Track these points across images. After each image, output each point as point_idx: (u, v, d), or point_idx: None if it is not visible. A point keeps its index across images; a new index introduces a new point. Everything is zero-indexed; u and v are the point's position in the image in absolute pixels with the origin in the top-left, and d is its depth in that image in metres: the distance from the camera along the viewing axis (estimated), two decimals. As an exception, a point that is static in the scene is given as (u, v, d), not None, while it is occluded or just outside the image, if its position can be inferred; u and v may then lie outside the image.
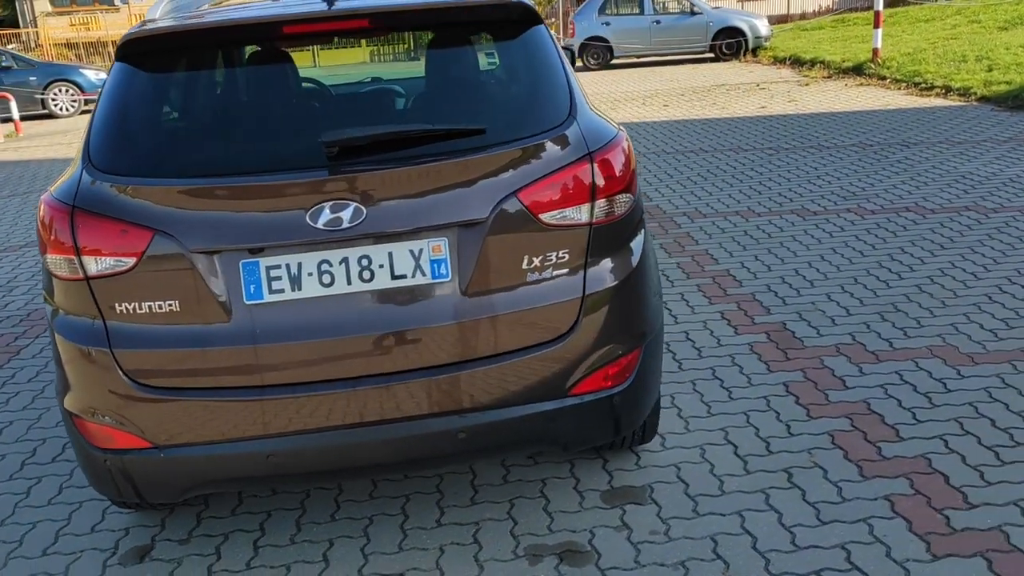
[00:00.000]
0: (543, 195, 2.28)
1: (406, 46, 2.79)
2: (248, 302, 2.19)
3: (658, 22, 18.47)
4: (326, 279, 2.21)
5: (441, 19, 2.55)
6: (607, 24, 18.66)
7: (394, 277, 2.23)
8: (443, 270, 2.24)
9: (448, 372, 2.26)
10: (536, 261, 2.29)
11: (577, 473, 3.05)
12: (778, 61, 17.25)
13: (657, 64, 19.24)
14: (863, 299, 4.43)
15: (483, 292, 2.26)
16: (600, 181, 2.35)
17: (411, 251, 2.23)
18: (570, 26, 19.23)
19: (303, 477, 2.41)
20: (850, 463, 2.98)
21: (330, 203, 2.18)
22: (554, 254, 2.31)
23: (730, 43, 18.36)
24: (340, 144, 2.22)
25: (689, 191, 7.05)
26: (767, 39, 18.48)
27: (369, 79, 2.85)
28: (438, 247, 2.24)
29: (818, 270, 4.92)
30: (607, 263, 2.39)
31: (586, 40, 18.75)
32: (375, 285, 2.23)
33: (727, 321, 4.29)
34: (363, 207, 2.19)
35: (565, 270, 2.32)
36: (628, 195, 2.43)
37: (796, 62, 16.36)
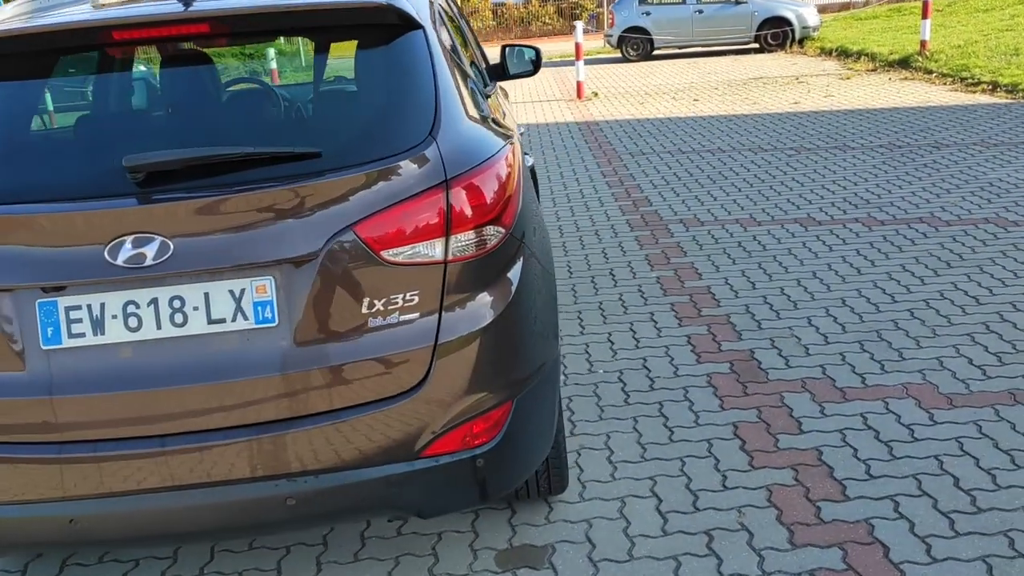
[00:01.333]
0: (385, 229, 1.98)
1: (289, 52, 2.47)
2: (45, 347, 1.94)
3: (700, 12, 17.90)
4: (132, 322, 1.94)
5: (294, 24, 2.26)
6: (647, 14, 18.15)
7: (211, 321, 1.95)
8: (268, 314, 1.96)
9: (274, 431, 1.98)
10: (378, 304, 1.99)
11: (479, 526, 2.75)
12: (824, 53, 16.60)
13: (699, 55, 18.68)
14: (847, 324, 4.03)
15: (315, 340, 1.97)
16: (459, 212, 2.03)
17: (231, 291, 1.95)
18: (609, 16, 18.76)
19: (118, 543, 2.16)
20: (782, 526, 2.63)
21: (132, 236, 1.91)
22: (400, 296, 2.01)
23: (775, 33, 17.71)
24: (144, 168, 1.94)
25: (694, 195, 6.66)
26: (815, 29, 17.80)
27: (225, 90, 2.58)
28: (262, 287, 1.96)
29: (806, 289, 4.52)
30: (469, 306, 2.08)
31: (626, 31, 18.26)
32: (189, 330, 1.95)
33: (692, 347, 3.94)
34: (170, 241, 1.91)
35: (414, 315, 2.02)
36: (498, 227, 2.12)
37: (842, 54, 15.70)
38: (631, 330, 4.19)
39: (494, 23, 37.19)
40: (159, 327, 1.95)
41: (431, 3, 2.68)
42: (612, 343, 4.06)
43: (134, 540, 2.10)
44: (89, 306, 1.94)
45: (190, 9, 2.13)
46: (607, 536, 2.66)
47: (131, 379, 1.95)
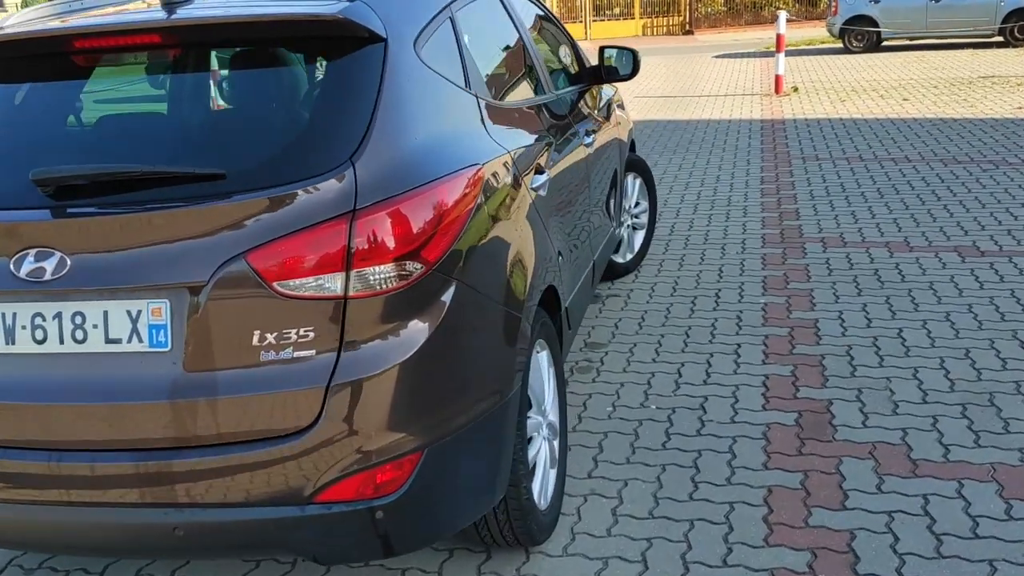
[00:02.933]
0: (279, 259, 1.86)
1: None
2: None
3: (936, 0, 16.29)
4: (39, 335, 1.95)
5: (239, 36, 2.17)
6: (875, 2, 16.76)
7: (108, 340, 1.92)
8: (162, 338, 1.91)
9: (162, 459, 1.93)
10: (270, 338, 1.89)
11: (447, 567, 2.60)
12: (1080, 49, 14.64)
13: (932, 48, 17.05)
14: (958, 382, 3.48)
15: (206, 369, 1.90)
16: (366, 244, 1.88)
17: (128, 312, 1.92)
18: (833, 4, 17.51)
19: (15, 546, 2.18)
20: (766, 623, 2.28)
21: (35, 250, 1.91)
22: (294, 331, 1.89)
23: (1024, 26, 15.84)
24: (50, 182, 1.93)
25: (852, 210, 6.05)
26: (1074, 22, 15.72)
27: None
28: (158, 310, 1.91)
29: (929, 333, 3.96)
30: (372, 346, 1.93)
31: (850, 20, 16.98)
32: (88, 347, 1.94)
33: (764, 390, 3.54)
34: (68, 257, 1.90)
35: (309, 351, 1.90)
36: (415, 262, 1.94)
37: (1099, 51, 13.77)
38: (707, 363, 3.84)
39: (724, 8, 35.93)
40: (62, 342, 1.94)
41: (437, 10, 2.51)
42: (680, 375, 3.74)
43: (30, 546, 2.12)
44: (3, 315, 1.96)
45: (127, 20, 2.10)
46: (569, 601, 2.42)
47: (35, 391, 1.97)
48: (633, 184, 4.97)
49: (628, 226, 5.00)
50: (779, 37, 12.09)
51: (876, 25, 16.78)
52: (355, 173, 1.93)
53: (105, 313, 1.92)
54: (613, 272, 4.93)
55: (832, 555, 2.53)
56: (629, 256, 5.05)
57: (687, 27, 32.58)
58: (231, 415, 1.90)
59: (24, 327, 1.96)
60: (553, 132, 3.12)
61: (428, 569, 2.61)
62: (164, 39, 2.14)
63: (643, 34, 33.87)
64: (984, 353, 3.72)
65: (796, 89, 12.47)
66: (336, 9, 2.11)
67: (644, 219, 5.17)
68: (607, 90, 4.43)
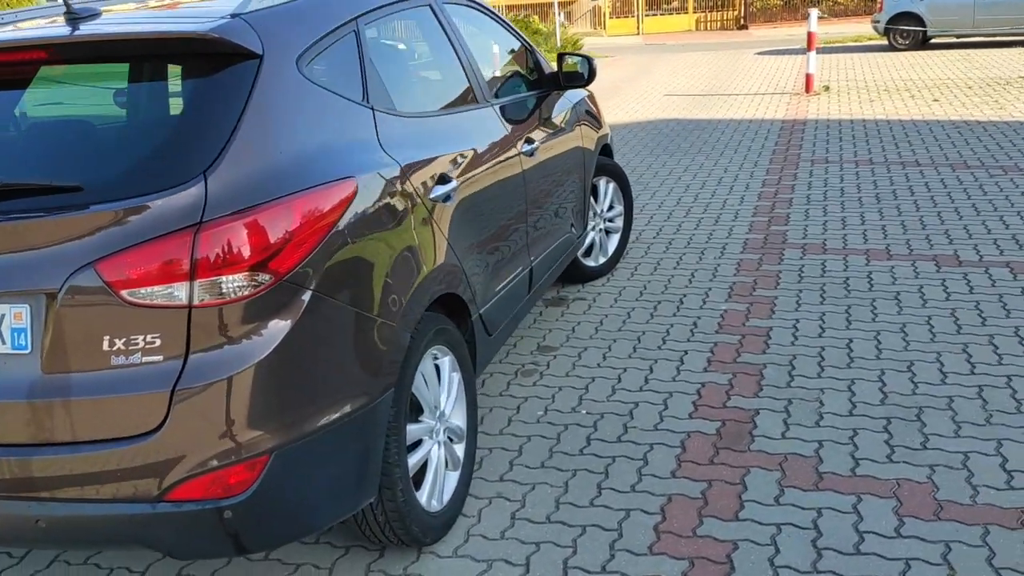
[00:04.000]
0: (127, 268, 1.97)
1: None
2: None
3: (985, -3, 15.85)
4: None
5: (118, 53, 2.29)
6: (922, -1, 16.38)
7: None
8: (23, 341, 2.04)
9: (22, 454, 2.06)
10: (120, 343, 2.00)
11: (339, 565, 2.70)
12: None
13: (979, 47, 16.60)
14: (892, 395, 3.47)
15: (62, 371, 2.02)
16: (211, 254, 1.98)
17: None
18: (879, 1, 17.15)
19: None
20: (623, 630, 2.33)
21: None
22: (141, 337, 2.00)
23: (1077, 24, 15.33)
24: None
25: (843, 216, 5.99)
26: None
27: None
28: (19, 314, 2.04)
29: (879, 344, 3.93)
30: (218, 353, 2.03)
31: (895, 17, 16.62)
32: None
33: (696, 398, 3.57)
34: None
35: (157, 357, 2.01)
36: (263, 274, 2.04)
37: None
38: (650, 369, 3.87)
39: (780, 3, 35.35)
40: None
41: (336, 26, 2.60)
42: (619, 381, 3.78)
43: None
44: None
45: (18, 37, 2.23)
46: (443, 601, 2.50)
47: None
48: (606, 188, 5.01)
49: (600, 230, 5.04)
50: (810, 35, 11.92)
51: (922, 23, 16.40)
52: (206, 186, 2.02)
53: None
54: (583, 275, 4.97)
55: (709, 565, 2.56)
56: (602, 259, 5.08)
57: (741, 22, 32.19)
58: (85, 416, 2.02)
59: None
60: (479, 141, 3.18)
61: (321, 565, 2.71)
62: (50, 55, 2.26)
63: (696, 29, 33.55)
64: (927, 367, 3.69)
65: (827, 88, 12.28)
66: (209, 27, 2.21)
67: (619, 223, 5.19)
68: (572, 97, 4.46)
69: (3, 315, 2.04)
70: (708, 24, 33.92)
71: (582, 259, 4.94)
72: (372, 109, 2.64)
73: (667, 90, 13.70)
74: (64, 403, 2.02)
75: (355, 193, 2.32)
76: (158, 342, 2.00)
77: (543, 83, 4.19)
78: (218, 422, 2.03)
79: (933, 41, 17.04)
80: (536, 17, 23.34)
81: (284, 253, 2.09)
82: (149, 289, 1.98)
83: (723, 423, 3.36)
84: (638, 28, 33.52)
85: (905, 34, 16.73)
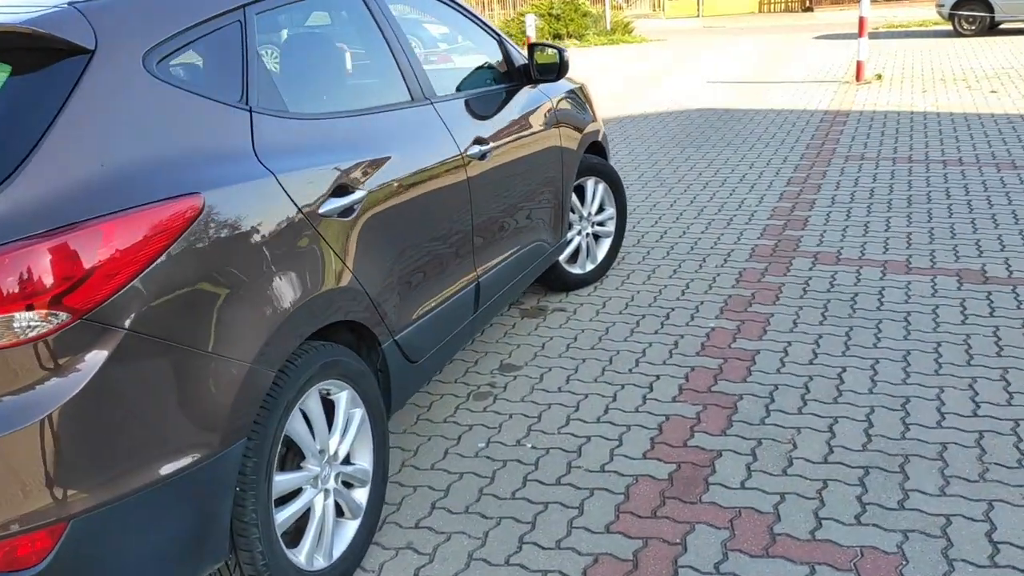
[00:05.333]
0: None
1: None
2: None
3: (1059, -21, 14.87)
4: None
5: None
6: (990, -18, 15.44)
7: None
8: None
9: None
10: None
11: (213, 622, 2.39)
12: None
13: (1053, 32, 15.62)
14: (875, 438, 3.05)
15: None
16: None
17: None
18: (944, -17, 16.25)
19: None
20: None
21: None
22: None
23: None
24: None
25: (865, 222, 5.51)
26: None
27: None
28: None
29: (875, 375, 3.50)
30: (2, 404, 1.73)
31: (960, 1, 15.72)
32: None
33: (656, 433, 3.19)
34: None
35: (-63, 406, 1.72)
36: (56, 311, 1.74)
37: None
38: (613, 396, 3.50)
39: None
40: None
41: (210, 16, 2.28)
42: (577, 409, 3.41)
43: None
44: None
45: None
46: None
47: None
48: (595, 189, 4.62)
49: (587, 234, 4.66)
50: (861, 20, 11.26)
51: (990, 7, 15.47)
52: None
53: None
54: (568, 284, 4.61)
55: (620, 650, 2.20)
56: (590, 267, 4.71)
57: (807, 4, 31.12)
58: None
59: None
60: (404, 145, 2.84)
61: (191, 623, 2.40)
62: None
63: (760, 11, 32.56)
64: (924, 405, 3.24)
65: (879, 76, 11.61)
66: (25, 19, 1.91)
67: (610, 227, 4.80)
68: (550, 92, 4.08)
69: None
70: (772, 6, 32.92)
71: (566, 266, 4.57)
72: (250, 111, 2.31)
73: (710, 76, 13.14)
74: None
75: (198, 212, 2.00)
76: (-61, 388, 1.71)
77: (512, 77, 3.82)
78: (5, 482, 1.73)
79: (1002, 27, 16.08)
80: (586, 0, 22.77)
81: (87, 286, 1.78)
82: (-85, 327, 1.68)
83: (678, 466, 2.98)
84: (698, 10, 32.67)
85: (971, 19, 15.82)
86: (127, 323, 1.84)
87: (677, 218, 5.92)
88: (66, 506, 1.78)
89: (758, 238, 5.37)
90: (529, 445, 3.20)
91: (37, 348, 1.74)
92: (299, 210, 2.31)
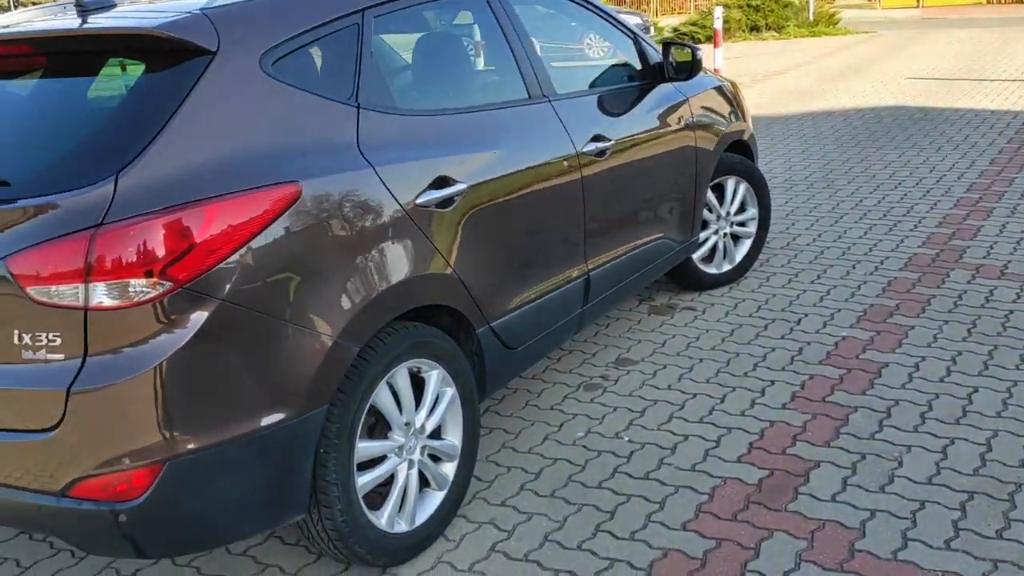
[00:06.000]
0: (31, 265, 2.00)
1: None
2: None
3: None
4: None
5: (72, 48, 2.33)
6: None
7: None
8: None
9: None
10: (27, 339, 2.05)
11: (304, 572, 2.66)
12: None
13: None
14: (991, 463, 2.90)
15: None
16: (107, 258, 1.97)
17: None
18: None
19: None
20: None
21: None
22: (45, 335, 2.03)
23: None
24: None
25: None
26: None
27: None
28: None
29: (1008, 398, 3.31)
30: (112, 357, 2.02)
31: None
32: None
33: (756, 439, 3.17)
34: None
35: (58, 355, 2.03)
36: (162, 280, 2.00)
37: None
38: (721, 399, 3.49)
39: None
40: None
41: (327, 20, 2.51)
42: (682, 408, 3.44)
43: None
44: None
45: (20, 31, 2.34)
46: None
47: None
48: (735, 188, 4.57)
49: (725, 234, 4.61)
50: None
51: None
52: (116, 187, 2.00)
53: None
54: (702, 283, 4.59)
55: (666, 643, 2.25)
56: (727, 267, 4.66)
57: (1044, -7, 28.60)
58: (2, 405, 2.08)
59: None
60: (513, 141, 2.97)
61: (286, 568, 2.67)
62: (31, 48, 2.35)
63: (988, 2, 30.19)
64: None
65: (1105, 76, 10.56)
66: (158, 23, 2.19)
67: (752, 228, 4.73)
68: (687, 90, 4.08)
69: None
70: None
71: (701, 265, 4.56)
72: (358, 108, 2.51)
73: (912, 72, 12.41)
74: (-16, 391, 2.09)
75: (295, 198, 2.22)
76: (59, 341, 2.02)
77: (646, 75, 3.86)
78: (110, 426, 2.02)
79: None
80: (791, -10, 21.96)
81: (188, 259, 2.03)
82: (49, 288, 1.99)
83: (771, 473, 2.95)
84: (918, 0, 30.72)
85: None
86: (223, 293, 2.08)
87: (836, 221, 5.71)
88: (164, 448, 2.04)
89: (919, 246, 5.10)
90: (626, 438, 3.25)
91: (146, 310, 2.00)
92: (395, 199, 2.49)
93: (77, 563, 2.79)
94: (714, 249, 4.61)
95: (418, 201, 2.57)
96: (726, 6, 20.98)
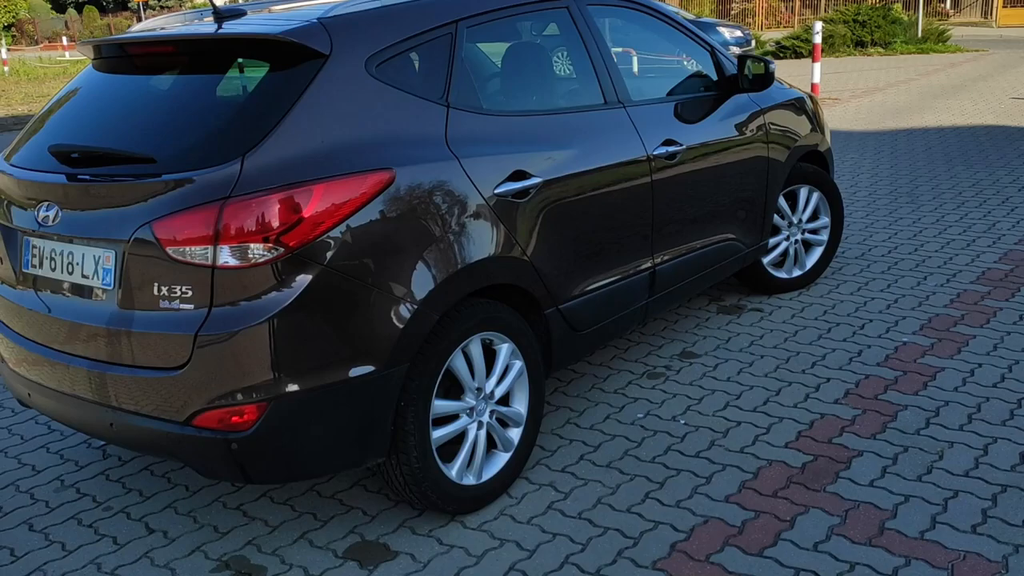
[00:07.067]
0: (171, 230, 2.40)
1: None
2: (23, 270, 2.82)
3: None
4: (53, 264, 2.71)
5: (214, 50, 2.74)
6: None
7: (83, 275, 2.62)
8: (108, 279, 2.56)
9: (99, 368, 2.59)
10: (165, 290, 2.45)
11: (383, 514, 3.01)
12: None
13: None
14: (1001, 468, 3.05)
15: (130, 307, 2.52)
16: (232, 226, 2.36)
17: (94, 257, 2.59)
18: None
19: (48, 415, 2.94)
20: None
21: (45, 203, 2.66)
22: (179, 288, 2.43)
23: None
24: (54, 153, 2.67)
25: (1125, 254, 5.12)
26: None
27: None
28: (108, 258, 2.56)
29: (1060, 405, 3.43)
30: (232, 309, 2.40)
31: None
32: (74, 279, 2.65)
33: (805, 428, 3.38)
34: (60, 211, 2.62)
35: (189, 305, 2.43)
36: (277, 246, 2.37)
37: None
38: (777, 392, 3.70)
39: None
40: (65, 272, 2.68)
41: (425, 29, 2.86)
42: (737, 398, 3.67)
43: (51, 415, 2.88)
44: (40, 247, 2.75)
45: (160, 35, 2.77)
46: (445, 568, 2.71)
47: (49, 305, 2.73)
48: (808, 197, 4.76)
49: (796, 241, 4.80)
50: None
51: None
52: (242, 167, 2.39)
53: (83, 255, 2.61)
54: (772, 286, 4.80)
55: (698, 593, 2.51)
56: (797, 272, 4.85)
57: None
58: (140, 345, 2.50)
59: (49, 257, 2.72)
60: (587, 142, 3.27)
61: (369, 511, 3.03)
62: (175, 49, 2.78)
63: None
64: (1101, 439, 3.15)
65: None
66: (281, 29, 2.59)
67: (824, 236, 4.90)
68: (761, 101, 4.31)
69: (99, 257, 2.57)
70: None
71: (771, 270, 4.76)
72: (448, 107, 2.85)
73: (1018, 92, 12.17)
74: (128, 333, 2.51)
75: (389, 182, 2.57)
76: (190, 293, 2.41)
77: (720, 86, 4.11)
78: (228, 367, 2.41)
79: None
80: (899, 5, 21.59)
81: (299, 229, 2.40)
82: (184, 248, 2.39)
83: (815, 458, 3.16)
84: (989, 15, 29.74)
85: None
86: (326, 260, 2.44)
87: (915, 235, 5.81)
88: (271, 389, 2.42)
89: (995, 261, 5.18)
90: (682, 421, 3.51)
91: (262, 271, 2.38)
92: (476, 188, 2.82)
93: (190, 496, 3.20)
94: (785, 254, 4.80)
95: (496, 191, 2.89)
96: (831, 21, 20.78)
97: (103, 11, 48.99)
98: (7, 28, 38.54)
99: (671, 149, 3.65)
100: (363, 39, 2.72)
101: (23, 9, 40.87)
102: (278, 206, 2.39)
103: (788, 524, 2.80)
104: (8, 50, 26.54)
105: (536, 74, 3.47)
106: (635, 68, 4.71)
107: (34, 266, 2.77)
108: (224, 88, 2.74)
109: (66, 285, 2.67)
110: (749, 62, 4.08)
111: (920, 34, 20.57)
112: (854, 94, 13.25)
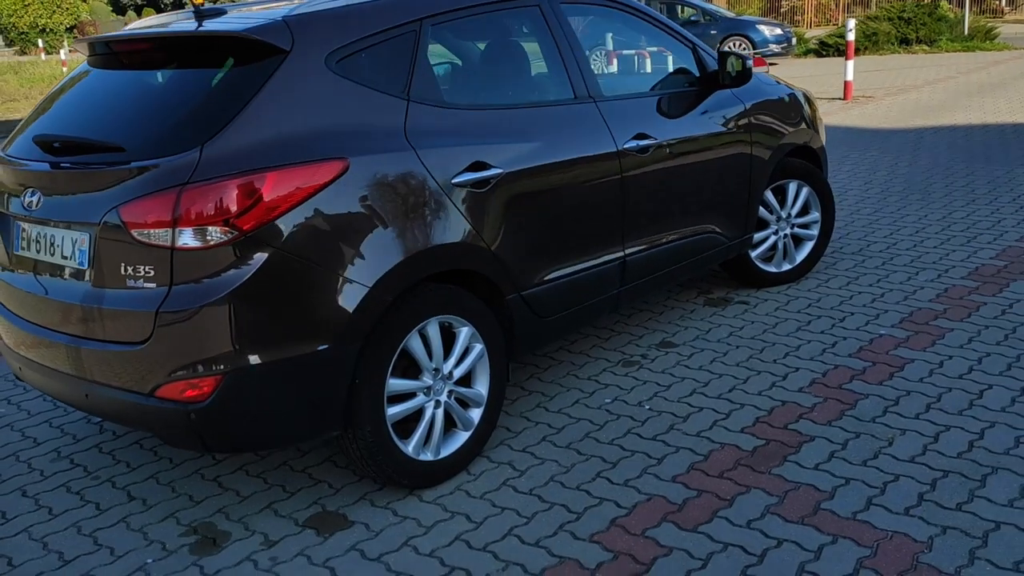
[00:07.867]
0: (134, 213, 2.59)
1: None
2: (14, 252, 3.05)
3: None
4: (38, 247, 2.93)
5: (185, 47, 2.93)
6: None
7: (63, 257, 2.84)
8: (83, 260, 2.77)
9: (77, 343, 2.80)
10: (131, 270, 2.64)
11: (347, 488, 3.17)
12: None
13: None
14: (978, 449, 3.11)
15: (101, 286, 2.72)
16: (190, 210, 2.54)
17: (72, 239, 2.80)
18: None
19: (35, 388, 3.16)
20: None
21: (31, 189, 2.88)
22: (143, 267, 2.62)
23: None
24: (38, 143, 2.89)
25: (1125, 251, 5.08)
26: None
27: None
28: (83, 240, 2.77)
29: (1020, 395, 3.47)
30: (191, 287, 2.58)
31: None
32: (55, 260, 2.87)
33: (764, 415, 3.48)
34: (43, 197, 2.84)
35: (152, 284, 2.62)
36: (231, 229, 2.55)
37: None
38: (745, 380, 3.79)
39: None
40: (49, 253, 2.89)
41: (388, 27, 3.02)
42: (705, 385, 3.77)
43: (39, 388, 3.10)
44: (28, 229, 2.97)
45: (135, 34, 2.98)
46: (395, 537, 2.86)
47: (36, 285, 2.95)
48: (797, 191, 4.82)
49: (785, 235, 4.87)
50: None
51: None
52: (200, 154, 2.58)
53: (63, 238, 2.82)
54: (761, 280, 4.87)
55: (630, 563, 2.64)
56: (786, 267, 4.92)
57: None
58: (109, 321, 2.70)
59: (33, 240, 2.94)
60: (551, 135, 3.39)
61: (334, 485, 3.20)
62: (153, 46, 2.99)
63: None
64: (1053, 429, 3.19)
65: None
66: (246, 27, 2.76)
67: (814, 231, 4.96)
68: (746, 97, 4.39)
69: (76, 239, 2.78)
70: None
71: (760, 264, 4.83)
72: (408, 101, 3.01)
73: (1056, 91, 11.94)
74: (99, 310, 2.71)
75: (343, 171, 2.74)
76: (153, 273, 2.61)
77: (701, 82, 4.20)
78: (186, 342, 2.59)
79: None
80: (946, 3, 21.24)
81: (253, 213, 2.58)
82: (146, 231, 2.58)
83: (767, 443, 3.26)
84: None
85: None
86: (279, 242, 2.61)
87: (917, 231, 5.82)
88: (227, 362, 2.59)
89: (991, 257, 5.18)
90: (647, 407, 3.62)
91: (219, 251, 2.56)
92: (433, 178, 2.97)
93: (173, 468, 3.41)
94: (774, 248, 4.86)
95: (454, 181, 3.04)
96: (876, 18, 20.52)
97: (161, 12, 50.31)
98: (69, 30, 39.71)
99: (643, 143, 3.75)
100: (325, 36, 2.88)
101: (84, 12, 42.14)
102: (234, 191, 2.56)
103: (727, 503, 2.90)
104: (69, 51, 27.42)
105: (503, 70, 3.60)
106: (636, 68, 4.83)
107: (23, 248, 2.99)
108: (194, 82, 2.92)
109: (49, 266, 2.89)
110: (730, 58, 4.16)
111: (967, 31, 20.20)
112: (889, 92, 13.13)
